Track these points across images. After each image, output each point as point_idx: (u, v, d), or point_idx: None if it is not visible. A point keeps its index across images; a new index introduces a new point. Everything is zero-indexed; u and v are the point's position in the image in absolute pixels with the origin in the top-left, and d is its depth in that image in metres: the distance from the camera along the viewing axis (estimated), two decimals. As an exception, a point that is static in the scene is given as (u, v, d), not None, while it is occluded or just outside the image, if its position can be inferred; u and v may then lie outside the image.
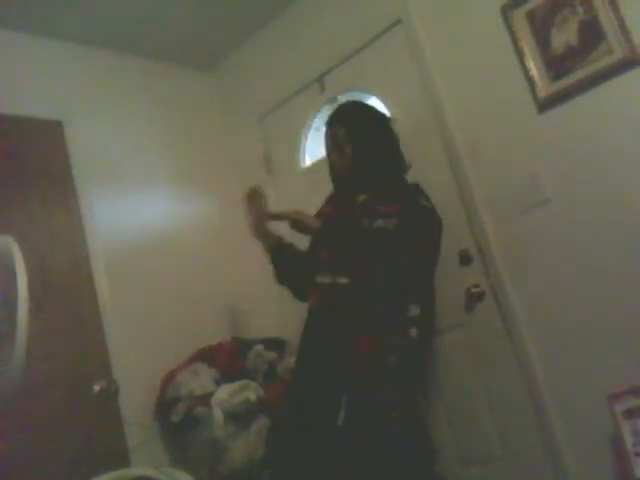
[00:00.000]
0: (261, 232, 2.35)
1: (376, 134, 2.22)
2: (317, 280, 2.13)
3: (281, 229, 2.37)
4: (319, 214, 2.31)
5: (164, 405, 2.57)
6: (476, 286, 2.54)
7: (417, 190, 2.20)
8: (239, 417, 2.40)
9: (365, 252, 1.99)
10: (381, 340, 1.96)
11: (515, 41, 2.41)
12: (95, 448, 2.36)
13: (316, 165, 3.08)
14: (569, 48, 2.29)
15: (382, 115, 2.31)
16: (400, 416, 1.92)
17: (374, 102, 2.94)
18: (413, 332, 1.99)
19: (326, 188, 2.48)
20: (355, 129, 2.21)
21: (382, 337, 1.96)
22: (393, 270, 1.99)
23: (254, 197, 2.33)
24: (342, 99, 3.09)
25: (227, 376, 2.61)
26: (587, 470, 2.25)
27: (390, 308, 2.00)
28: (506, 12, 2.43)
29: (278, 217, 2.22)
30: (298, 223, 2.08)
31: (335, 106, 2.32)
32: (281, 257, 2.37)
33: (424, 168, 2.69)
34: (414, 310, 2.02)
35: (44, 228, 2.55)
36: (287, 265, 2.38)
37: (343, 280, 2.02)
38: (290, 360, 2.57)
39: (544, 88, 2.35)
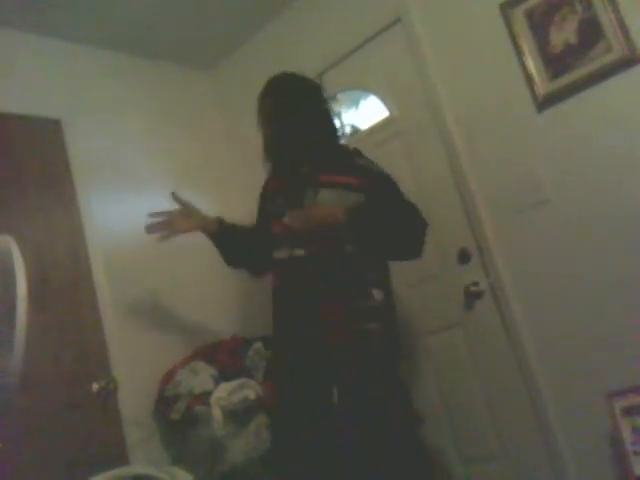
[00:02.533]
0: (197, 223, 2.29)
1: (304, 104, 2.18)
2: (274, 256, 2.10)
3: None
4: (265, 188, 2.29)
5: (163, 403, 2.57)
6: (475, 284, 2.54)
7: (359, 154, 2.18)
8: (238, 415, 2.40)
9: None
10: (346, 304, 1.95)
11: (514, 39, 2.41)
12: (94, 446, 2.36)
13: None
14: (568, 46, 2.29)
15: (311, 84, 2.29)
16: (386, 386, 1.93)
17: (373, 100, 2.96)
18: (377, 294, 1.98)
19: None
20: (282, 101, 2.19)
21: (347, 301, 1.96)
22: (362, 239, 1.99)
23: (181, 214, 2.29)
24: (342, 97, 3.10)
25: (226, 374, 2.61)
26: (586, 468, 2.25)
27: (350, 274, 1.99)
28: (505, 10, 2.43)
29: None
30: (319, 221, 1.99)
31: (266, 80, 2.29)
32: (227, 238, 2.30)
33: (423, 166, 2.70)
34: (374, 274, 2.01)
35: (43, 227, 2.55)
36: (235, 245, 2.31)
37: (299, 252, 2.01)
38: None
39: (543, 86, 2.35)
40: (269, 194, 2.24)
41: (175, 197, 2.29)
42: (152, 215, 2.22)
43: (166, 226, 2.24)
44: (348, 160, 2.14)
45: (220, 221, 2.30)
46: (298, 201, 2.08)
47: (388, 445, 1.88)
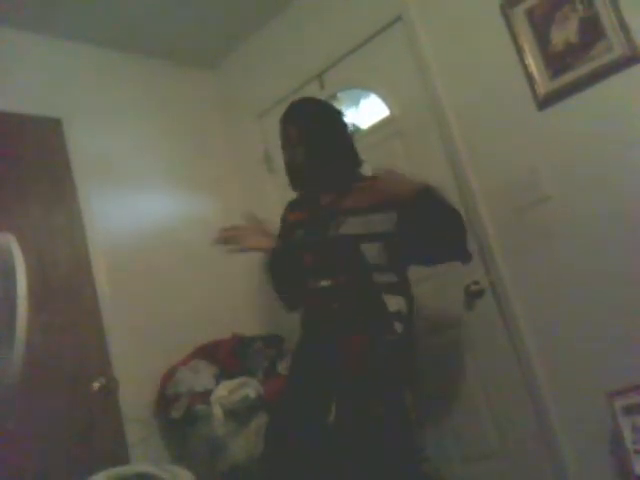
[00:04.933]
0: (270, 242, 2.17)
1: (328, 132, 2.17)
2: (306, 287, 2.11)
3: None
4: (284, 221, 2.27)
5: (164, 402, 2.58)
6: (476, 283, 2.54)
7: (375, 177, 2.13)
8: (239, 414, 2.41)
9: (350, 252, 1.98)
10: (371, 339, 1.96)
11: (515, 38, 2.40)
12: (95, 445, 2.37)
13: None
14: (569, 45, 2.29)
15: (335, 111, 2.28)
16: (386, 412, 1.92)
17: (374, 99, 2.96)
18: (398, 327, 1.98)
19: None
20: (307, 128, 2.16)
21: (371, 336, 1.96)
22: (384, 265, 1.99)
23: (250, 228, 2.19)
24: (342, 96, 3.10)
25: (227, 373, 2.61)
26: (586, 467, 2.25)
27: (374, 306, 1.99)
28: (505, 9, 2.43)
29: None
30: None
31: (289, 104, 2.25)
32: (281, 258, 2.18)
33: (423, 165, 2.69)
34: (396, 304, 2.00)
35: (44, 226, 2.55)
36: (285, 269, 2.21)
37: (325, 283, 2.02)
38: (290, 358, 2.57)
39: (543, 85, 2.35)
40: (290, 225, 2.21)
41: (250, 216, 2.20)
42: (224, 229, 2.13)
43: (237, 240, 2.14)
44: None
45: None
46: (320, 233, 2.06)
47: (380, 466, 1.87)
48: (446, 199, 1.95)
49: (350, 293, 2.00)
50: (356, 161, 2.21)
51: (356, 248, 1.99)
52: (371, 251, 2.00)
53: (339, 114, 2.26)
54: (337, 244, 2.02)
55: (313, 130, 2.16)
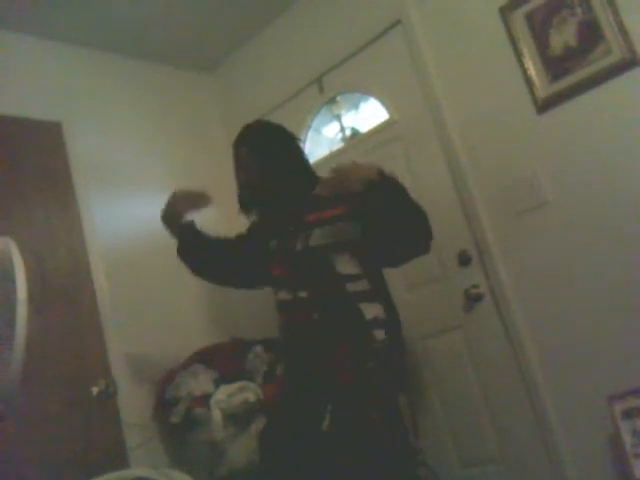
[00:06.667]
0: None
1: (279, 151, 2.20)
2: (278, 298, 2.14)
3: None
4: (257, 226, 2.30)
5: (163, 406, 2.57)
6: (475, 287, 2.54)
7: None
8: (238, 418, 2.40)
9: (323, 265, 2.01)
10: (349, 344, 1.97)
11: (514, 42, 2.41)
12: (94, 449, 2.36)
13: (315, 165, 3.06)
14: (568, 49, 2.29)
15: (286, 132, 2.30)
16: (380, 418, 1.92)
17: (373, 103, 2.96)
18: (378, 334, 1.98)
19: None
20: (257, 148, 2.20)
21: (349, 342, 1.97)
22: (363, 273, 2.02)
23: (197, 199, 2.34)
24: (342, 99, 3.11)
25: (226, 377, 2.60)
26: (586, 471, 2.25)
27: (351, 314, 2.00)
28: (505, 13, 2.43)
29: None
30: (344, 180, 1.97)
31: (241, 128, 2.32)
32: (193, 235, 2.37)
33: (423, 168, 2.70)
34: (374, 311, 2.01)
35: (43, 229, 2.55)
36: (196, 245, 2.38)
37: (302, 294, 2.04)
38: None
39: (543, 89, 2.36)
40: (262, 235, 2.25)
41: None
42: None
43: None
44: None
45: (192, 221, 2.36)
46: (290, 246, 2.09)
47: (376, 471, 1.87)
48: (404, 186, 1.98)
49: (328, 303, 2.01)
50: (312, 178, 2.22)
51: (327, 259, 2.01)
52: (341, 261, 2.01)
53: (291, 135, 2.30)
54: (308, 256, 2.04)
55: (264, 147, 2.19)
